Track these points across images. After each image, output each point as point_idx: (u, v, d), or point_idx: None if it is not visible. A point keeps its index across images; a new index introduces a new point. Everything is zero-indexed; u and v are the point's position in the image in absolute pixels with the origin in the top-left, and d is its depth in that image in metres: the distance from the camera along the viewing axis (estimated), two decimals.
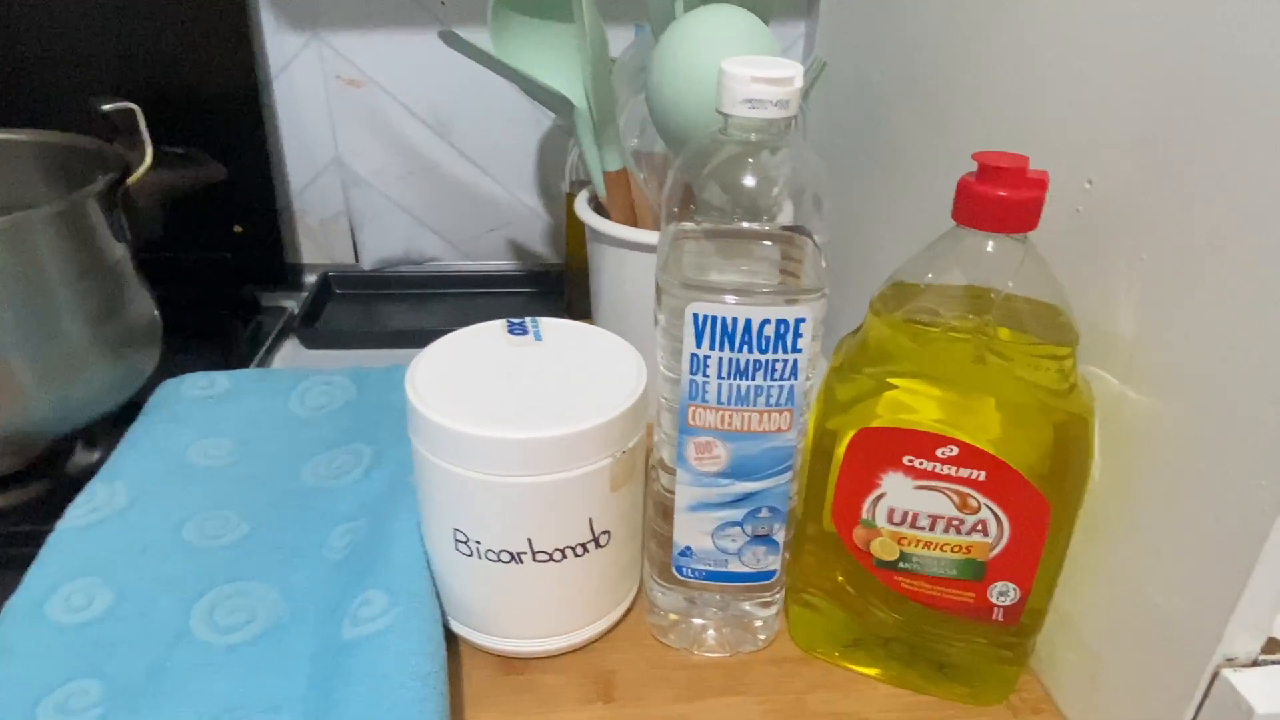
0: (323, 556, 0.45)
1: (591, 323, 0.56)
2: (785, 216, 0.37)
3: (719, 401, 0.38)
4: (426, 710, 0.35)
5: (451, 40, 0.53)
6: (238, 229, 0.76)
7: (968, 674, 0.41)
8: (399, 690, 0.35)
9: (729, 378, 0.37)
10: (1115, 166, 0.36)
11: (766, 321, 0.36)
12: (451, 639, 0.43)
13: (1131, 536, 0.36)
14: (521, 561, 0.39)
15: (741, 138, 0.37)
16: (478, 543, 0.39)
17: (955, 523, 0.38)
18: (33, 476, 0.55)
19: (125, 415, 0.55)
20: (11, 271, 0.48)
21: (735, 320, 0.36)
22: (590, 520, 0.40)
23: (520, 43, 0.56)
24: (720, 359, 0.37)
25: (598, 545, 0.40)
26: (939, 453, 0.36)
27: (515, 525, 0.39)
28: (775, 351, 0.37)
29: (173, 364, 0.59)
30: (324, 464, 0.52)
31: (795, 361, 0.37)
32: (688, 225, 0.38)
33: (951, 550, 0.38)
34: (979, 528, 0.37)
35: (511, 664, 0.43)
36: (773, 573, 0.42)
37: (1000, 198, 0.34)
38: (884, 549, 0.39)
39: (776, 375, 0.37)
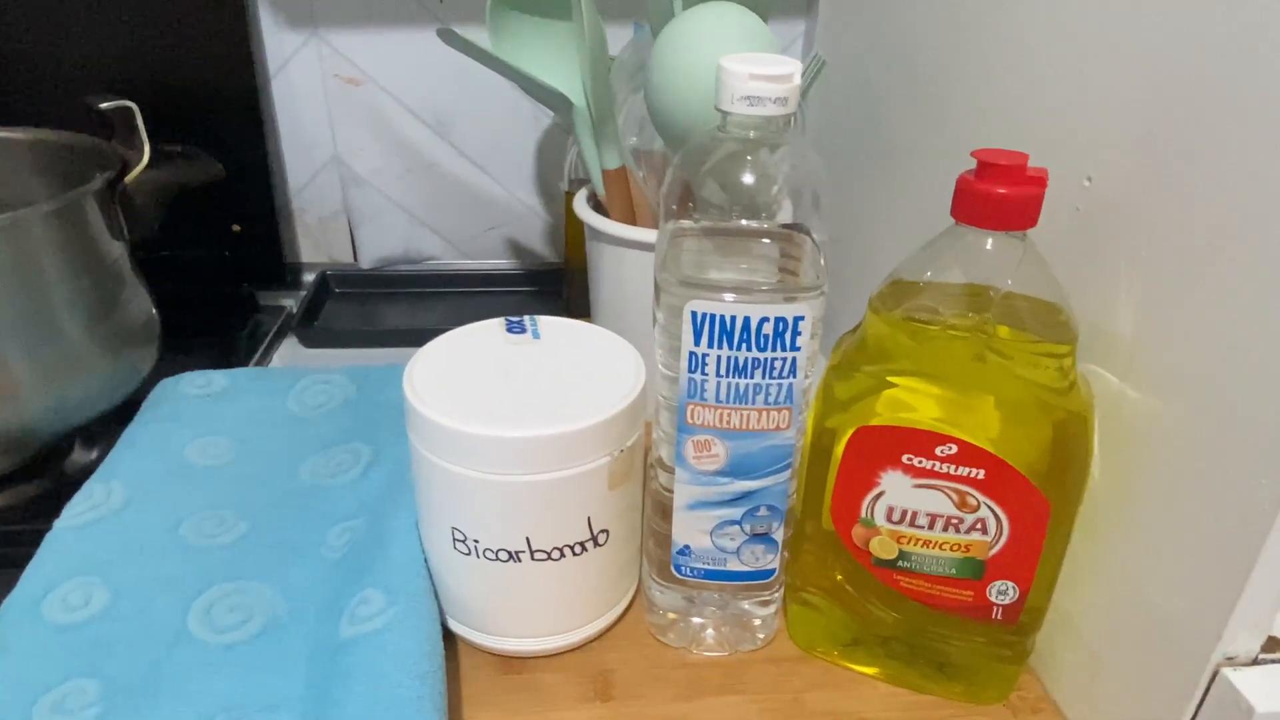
0: (321, 555, 0.45)
1: (590, 321, 0.56)
2: (784, 214, 0.37)
3: (718, 400, 0.38)
4: (424, 709, 0.35)
5: (450, 38, 0.53)
6: (236, 228, 0.76)
7: (967, 673, 0.41)
8: (397, 689, 0.35)
9: (727, 376, 0.37)
10: (1115, 164, 0.36)
11: (765, 319, 0.36)
12: (450, 638, 0.43)
13: (1131, 535, 0.36)
14: (520, 560, 0.39)
15: (740, 135, 0.37)
16: (476, 541, 0.39)
17: (954, 521, 0.38)
18: (30, 475, 0.55)
19: (123, 414, 0.55)
20: (9, 270, 0.48)
21: (734, 318, 0.36)
22: (588, 519, 0.40)
23: (519, 41, 0.56)
24: (719, 357, 0.37)
25: (596, 544, 0.40)
26: (938, 451, 0.36)
27: (513, 524, 0.39)
28: (774, 350, 0.37)
29: (171, 363, 0.59)
30: (322, 463, 0.52)
31: (794, 360, 0.37)
32: (686, 223, 0.38)
33: (951, 549, 0.38)
34: (978, 526, 0.37)
35: (510, 663, 0.43)
36: (771, 571, 0.42)
37: (999, 195, 0.33)
38: (883, 548, 0.39)
39: (775, 373, 0.37)
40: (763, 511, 0.40)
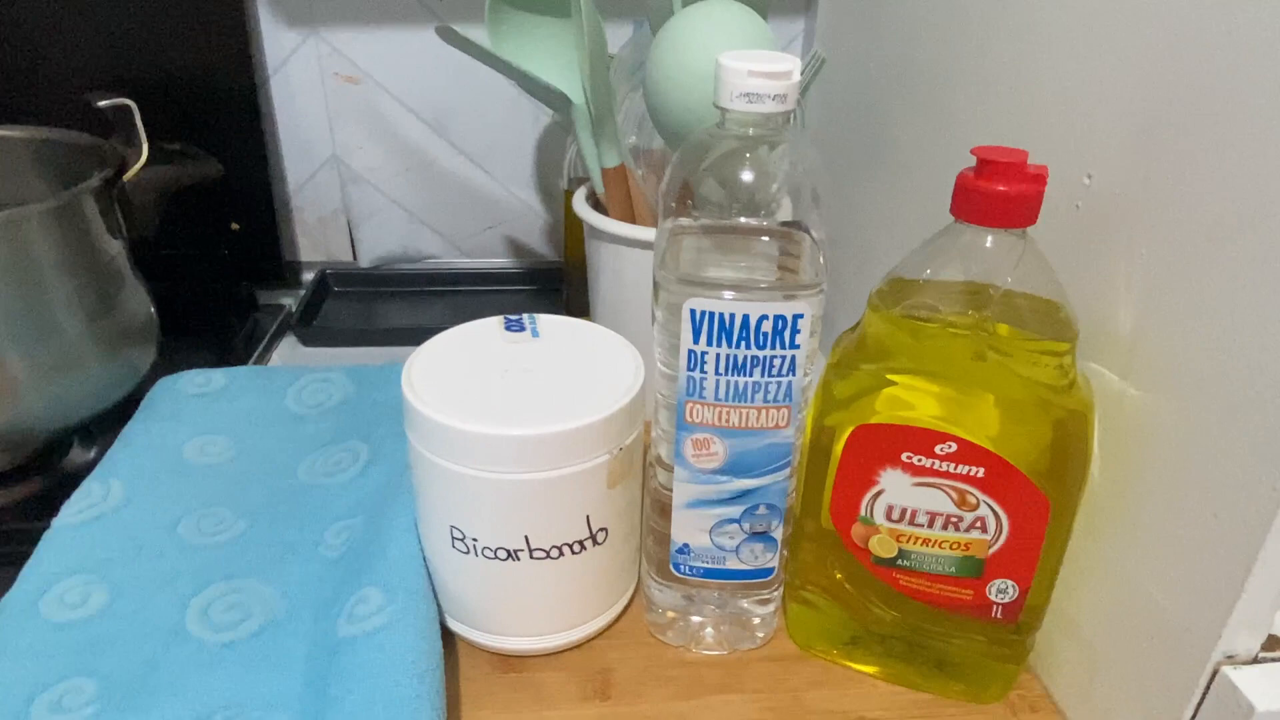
0: (319, 554, 0.45)
1: (589, 319, 0.56)
2: (783, 212, 0.37)
3: (717, 398, 0.38)
4: (423, 708, 0.35)
5: (449, 36, 0.53)
6: (235, 226, 0.76)
7: (966, 671, 0.41)
8: (395, 688, 0.35)
9: (727, 374, 0.37)
10: (1115, 162, 0.36)
11: (764, 317, 0.36)
12: (448, 636, 0.43)
13: (1131, 533, 0.36)
14: (518, 559, 0.39)
15: (739, 132, 0.36)
16: (474, 540, 0.39)
17: (954, 520, 0.37)
18: (28, 474, 0.55)
19: (121, 412, 0.55)
20: (6, 268, 0.48)
21: (733, 316, 0.36)
22: (587, 517, 0.40)
23: (518, 39, 0.56)
24: (718, 355, 0.37)
25: (595, 542, 0.40)
26: (938, 449, 0.36)
27: (512, 522, 0.39)
28: (773, 347, 0.37)
29: (169, 361, 0.59)
30: (320, 461, 0.51)
31: (793, 357, 0.37)
32: (685, 221, 0.38)
33: (950, 547, 0.38)
34: (978, 525, 0.37)
35: (509, 661, 0.43)
36: (771, 570, 0.42)
37: (999, 193, 0.33)
38: (882, 546, 0.39)
39: (774, 371, 0.37)
40: (762, 510, 0.40)
